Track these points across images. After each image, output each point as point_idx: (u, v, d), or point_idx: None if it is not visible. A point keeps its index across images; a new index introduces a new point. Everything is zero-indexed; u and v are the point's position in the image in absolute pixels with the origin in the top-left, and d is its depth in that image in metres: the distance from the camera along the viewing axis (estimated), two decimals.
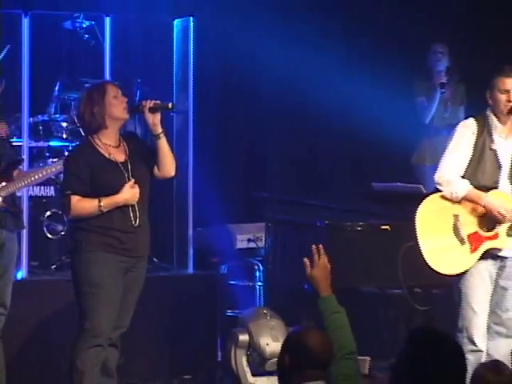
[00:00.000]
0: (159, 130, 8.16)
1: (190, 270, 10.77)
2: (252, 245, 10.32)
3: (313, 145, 12.39)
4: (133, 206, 8.13)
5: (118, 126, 8.22)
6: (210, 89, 11.42)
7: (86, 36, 11.05)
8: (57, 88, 10.86)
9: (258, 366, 9.33)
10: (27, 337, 9.62)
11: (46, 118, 10.79)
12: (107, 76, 10.43)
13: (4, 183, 9.08)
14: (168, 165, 8.26)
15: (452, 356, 4.54)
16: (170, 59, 10.99)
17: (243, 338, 9.34)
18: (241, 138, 12.22)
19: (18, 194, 9.28)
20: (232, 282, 10.28)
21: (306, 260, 6.16)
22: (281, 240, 10.28)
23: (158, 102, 8.26)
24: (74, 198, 8.10)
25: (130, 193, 8.08)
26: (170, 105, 8.41)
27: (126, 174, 8.15)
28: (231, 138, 12.12)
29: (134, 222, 8.13)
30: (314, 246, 6.25)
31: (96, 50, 11.00)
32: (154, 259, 10.71)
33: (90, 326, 8.04)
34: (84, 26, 11.05)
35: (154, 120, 8.14)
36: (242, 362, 9.34)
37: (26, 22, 10.38)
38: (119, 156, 8.22)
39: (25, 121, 10.29)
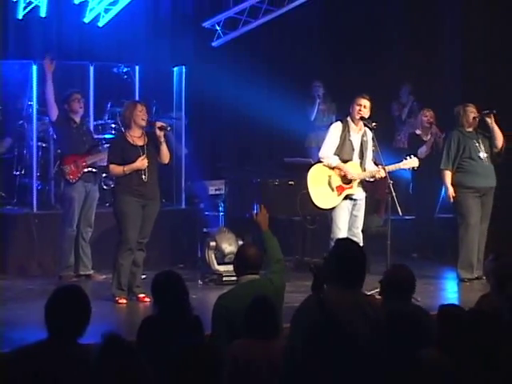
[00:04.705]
0: (162, 139, 8.14)
1: (183, 206, 10.66)
2: (218, 192, 10.16)
3: (249, 138, 12.16)
4: (144, 170, 8.11)
5: (139, 127, 8.18)
6: (195, 108, 11.20)
7: (125, 76, 10.85)
8: (109, 105, 10.72)
9: (220, 260, 9.28)
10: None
11: (102, 121, 10.72)
12: (137, 98, 10.27)
13: (90, 156, 9.22)
14: (163, 157, 8.24)
15: (358, 252, 4.62)
16: (172, 90, 10.81)
17: (212, 244, 9.31)
18: (211, 135, 12.00)
19: (100, 163, 9.33)
20: (206, 213, 10.16)
21: (253, 212, 6.16)
22: (233, 190, 10.30)
23: (164, 124, 8.29)
24: (112, 166, 8.18)
25: (140, 163, 8.09)
26: (168, 128, 8.37)
27: (141, 153, 8.13)
28: (206, 135, 11.90)
29: (144, 179, 8.11)
30: (260, 204, 6.23)
31: (131, 85, 10.82)
32: (163, 200, 10.75)
33: (124, 238, 8.05)
34: (124, 70, 10.84)
35: (160, 134, 8.13)
36: (212, 257, 9.30)
37: (91, 69, 10.32)
38: (139, 142, 8.20)
39: (91, 123, 10.25)
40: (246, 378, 4.52)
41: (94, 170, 9.30)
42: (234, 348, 4.69)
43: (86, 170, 9.17)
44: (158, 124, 8.22)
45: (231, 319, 5.12)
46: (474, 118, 9.23)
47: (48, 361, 3.88)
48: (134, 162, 8.09)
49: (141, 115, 8.16)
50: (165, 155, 8.24)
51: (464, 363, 3.83)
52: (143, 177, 8.12)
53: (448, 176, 9.27)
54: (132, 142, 8.18)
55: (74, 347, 3.98)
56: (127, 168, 8.08)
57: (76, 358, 3.43)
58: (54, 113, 9.25)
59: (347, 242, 4.99)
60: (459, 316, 4.15)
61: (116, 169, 8.15)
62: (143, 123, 8.19)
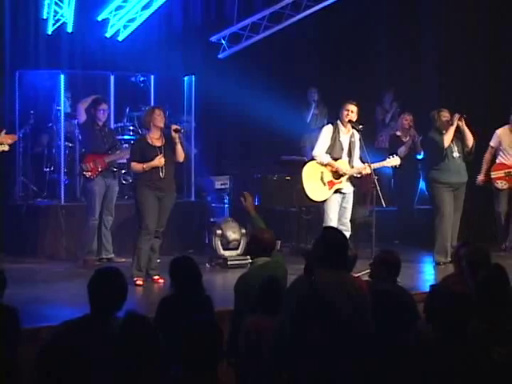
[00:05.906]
0: (177, 140, 8.16)
1: (193, 198, 10.63)
2: (223, 186, 10.11)
3: (251, 139, 12.11)
4: (161, 167, 8.14)
5: (157, 129, 8.20)
6: (203, 112, 11.15)
7: (142, 85, 10.80)
8: (127, 110, 10.71)
9: (225, 246, 9.31)
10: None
11: (121, 124, 10.70)
12: (152, 104, 10.28)
13: (108, 156, 9.25)
14: (179, 156, 8.25)
15: (341, 238, 4.55)
16: (182, 96, 10.81)
17: (218, 232, 9.33)
18: (217, 136, 11.93)
19: (120, 160, 9.43)
20: (213, 205, 10.16)
21: (241, 199, 6.15)
22: (236, 184, 10.24)
23: (179, 127, 8.29)
24: (133, 163, 8.20)
25: (158, 161, 8.11)
26: (183, 130, 8.38)
27: (159, 152, 8.15)
28: (213, 136, 11.80)
29: (161, 175, 8.14)
30: (244, 192, 6.20)
31: (146, 92, 10.81)
32: (175, 193, 10.77)
33: (143, 226, 8.07)
34: (140, 79, 10.78)
35: (175, 135, 8.15)
36: (218, 243, 9.33)
37: (112, 78, 10.31)
38: (158, 143, 8.21)
39: (112, 125, 10.22)
40: (256, 349, 4.55)
41: (114, 169, 9.35)
42: (247, 323, 4.72)
43: (103, 167, 9.19)
44: (174, 127, 8.23)
45: (250, 294, 5.08)
46: (446, 121, 9.25)
47: (91, 332, 3.93)
48: (152, 160, 8.13)
49: (159, 119, 8.20)
50: (180, 154, 8.26)
51: (449, 335, 3.88)
52: (161, 173, 8.14)
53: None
54: (151, 142, 8.21)
55: (113, 320, 4.03)
56: (146, 165, 8.11)
57: (114, 329, 3.53)
58: (83, 118, 9.41)
59: (332, 230, 5.01)
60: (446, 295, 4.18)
61: (137, 166, 8.18)
62: (161, 125, 8.23)
